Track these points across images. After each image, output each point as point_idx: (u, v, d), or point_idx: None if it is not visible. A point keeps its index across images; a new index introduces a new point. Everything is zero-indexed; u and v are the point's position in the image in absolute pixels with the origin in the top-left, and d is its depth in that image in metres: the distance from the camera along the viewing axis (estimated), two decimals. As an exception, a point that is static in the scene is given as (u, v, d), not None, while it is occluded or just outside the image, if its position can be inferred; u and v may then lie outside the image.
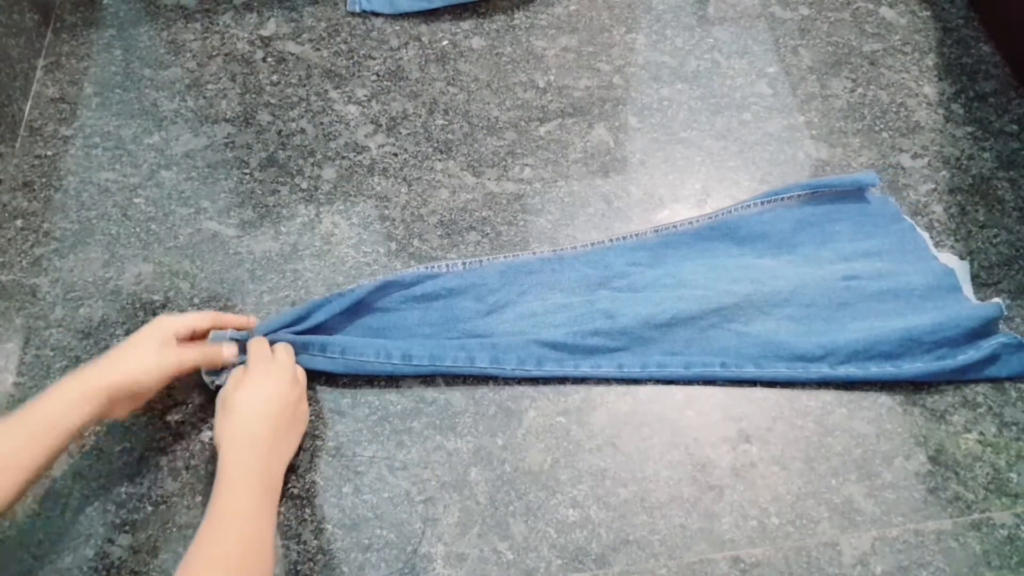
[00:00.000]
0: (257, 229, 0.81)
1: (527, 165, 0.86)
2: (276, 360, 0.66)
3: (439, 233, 0.81)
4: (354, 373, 0.71)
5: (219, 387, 0.67)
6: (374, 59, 0.95)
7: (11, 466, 0.55)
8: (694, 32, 0.97)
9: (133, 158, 0.87)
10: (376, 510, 0.66)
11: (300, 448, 0.68)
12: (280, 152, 0.87)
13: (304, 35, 0.97)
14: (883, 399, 0.71)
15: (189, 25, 0.98)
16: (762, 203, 0.81)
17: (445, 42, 0.96)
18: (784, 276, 0.77)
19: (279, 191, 0.84)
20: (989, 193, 0.83)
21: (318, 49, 0.96)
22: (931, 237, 0.80)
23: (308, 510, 0.66)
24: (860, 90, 0.91)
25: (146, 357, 0.62)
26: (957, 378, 0.71)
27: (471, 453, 0.68)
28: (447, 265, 0.77)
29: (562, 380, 0.72)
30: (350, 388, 0.72)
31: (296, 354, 0.69)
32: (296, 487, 0.67)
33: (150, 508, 0.66)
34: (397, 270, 0.77)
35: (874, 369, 0.71)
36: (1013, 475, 0.67)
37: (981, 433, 0.69)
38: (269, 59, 0.95)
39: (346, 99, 0.91)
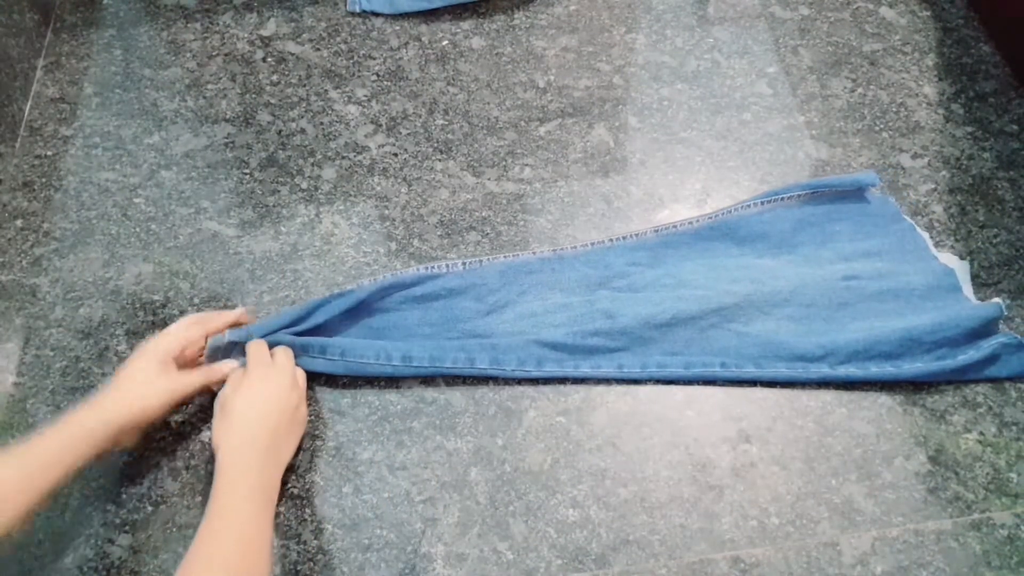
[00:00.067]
0: (257, 229, 0.81)
1: (527, 165, 0.86)
2: (276, 363, 0.66)
3: (439, 233, 0.81)
4: (354, 375, 0.71)
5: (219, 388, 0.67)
6: (374, 59, 0.95)
7: (13, 499, 0.54)
8: (694, 32, 0.97)
9: (133, 158, 0.87)
10: (376, 510, 0.66)
11: (300, 448, 0.68)
12: (280, 152, 0.87)
13: (304, 35, 0.97)
14: (883, 399, 0.71)
15: (189, 25, 0.98)
16: (762, 203, 0.81)
17: (445, 42, 0.96)
18: (784, 276, 0.77)
19: (279, 191, 0.84)
20: (989, 193, 0.83)
21: (318, 49, 0.96)
22: (931, 237, 0.80)
23: (308, 510, 0.66)
24: (860, 90, 0.91)
25: (151, 385, 0.62)
26: (957, 378, 0.71)
27: (471, 453, 0.68)
28: (447, 265, 0.77)
29: (562, 380, 0.72)
30: (350, 388, 0.72)
31: (296, 356, 0.69)
32: (296, 487, 0.67)
33: (150, 508, 0.66)
34: (397, 270, 0.77)
35: (874, 369, 0.71)
36: (1013, 475, 0.67)
37: (981, 433, 0.69)
38: (269, 59, 0.95)
39: (346, 99, 0.91)
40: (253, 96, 0.92)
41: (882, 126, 0.88)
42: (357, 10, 0.99)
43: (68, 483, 0.58)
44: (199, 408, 0.70)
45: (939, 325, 0.71)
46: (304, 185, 0.84)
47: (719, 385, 0.72)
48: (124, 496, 0.66)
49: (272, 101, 0.91)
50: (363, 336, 0.73)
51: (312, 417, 0.70)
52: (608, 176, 0.85)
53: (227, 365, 0.67)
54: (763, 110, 0.90)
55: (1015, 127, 0.88)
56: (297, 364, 0.69)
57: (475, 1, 0.99)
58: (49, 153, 0.87)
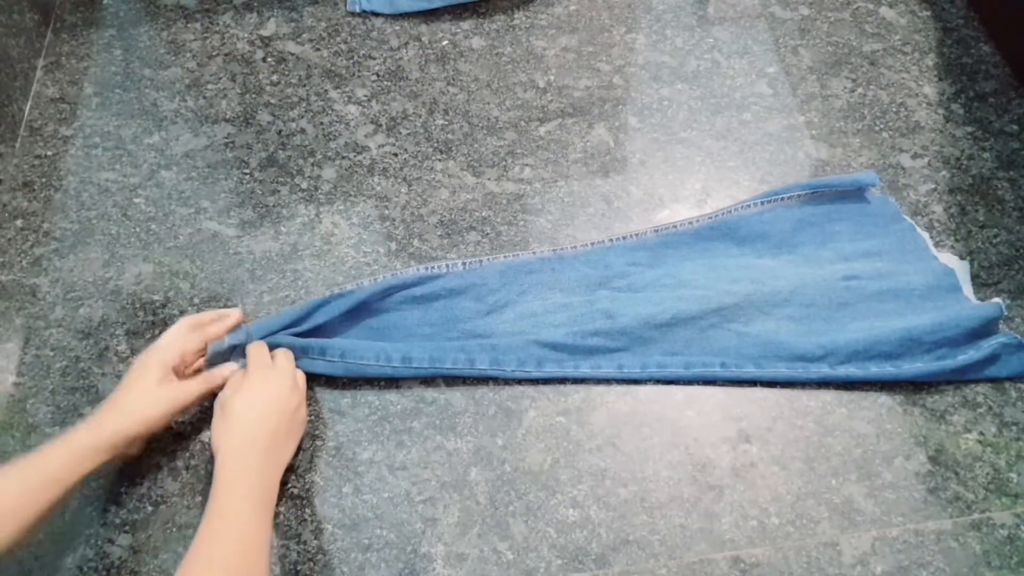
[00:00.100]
0: (257, 229, 0.81)
1: (527, 165, 0.86)
2: (276, 366, 0.66)
3: (439, 233, 0.81)
4: (354, 376, 0.71)
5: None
6: (374, 59, 0.95)
7: (15, 515, 0.55)
8: (694, 32, 0.97)
9: (133, 158, 0.87)
10: (376, 510, 0.66)
11: (300, 448, 0.68)
12: (280, 152, 0.87)
13: (304, 35, 0.97)
14: (883, 399, 0.71)
15: (189, 25, 0.98)
16: (762, 203, 0.81)
17: (445, 42, 0.96)
18: (784, 276, 0.77)
19: (279, 191, 0.84)
20: (989, 193, 0.83)
21: (318, 49, 0.96)
22: (931, 237, 0.80)
23: (308, 510, 0.66)
24: (860, 90, 0.91)
25: (151, 396, 0.62)
26: (957, 378, 0.71)
27: (471, 453, 0.68)
28: (447, 265, 0.77)
29: (562, 380, 0.72)
30: (350, 388, 0.72)
31: (296, 358, 0.69)
32: (296, 487, 0.67)
33: (150, 508, 0.66)
34: (397, 270, 0.77)
35: (874, 369, 0.71)
36: (1013, 475, 0.67)
37: (981, 433, 0.69)
38: (269, 59, 0.95)
39: (346, 99, 0.91)
40: (253, 96, 0.92)
41: (882, 126, 0.88)
42: (357, 10, 0.99)
43: (69, 499, 0.58)
44: (199, 409, 0.70)
45: (939, 325, 0.71)
46: (304, 185, 0.84)
47: (719, 385, 0.72)
48: (124, 496, 0.66)
49: (272, 101, 0.91)
50: (363, 336, 0.73)
51: (312, 417, 0.70)
52: (608, 176, 0.85)
53: (227, 369, 0.67)
54: (763, 110, 0.90)
55: (1015, 127, 0.88)
56: (297, 366, 0.69)
57: (475, 1, 0.99)
58: (49, 153, 0.87)
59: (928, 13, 0.98)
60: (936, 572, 0.63)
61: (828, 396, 0.71)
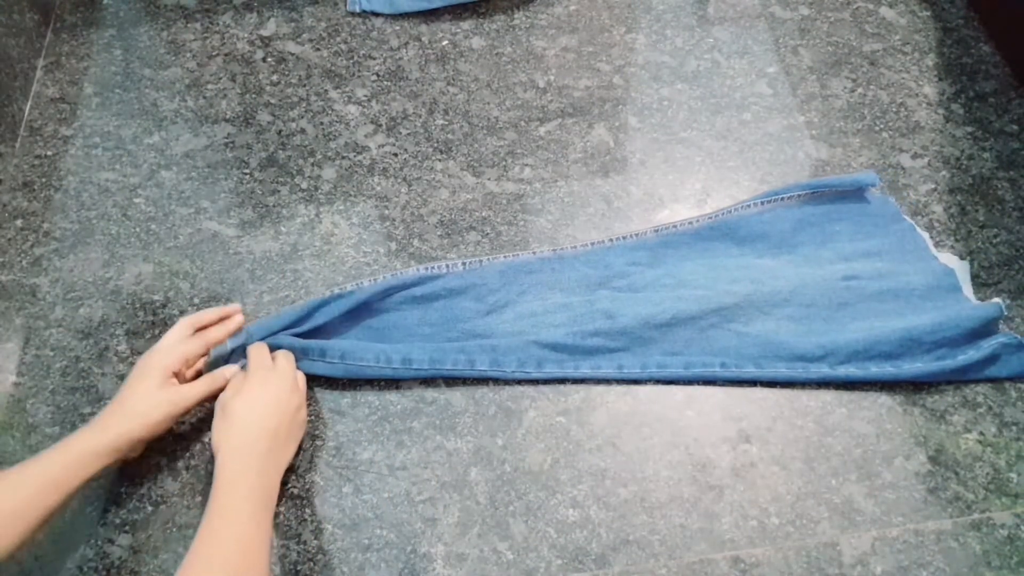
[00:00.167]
0: (257, 229, 0.81)
1: (527, 165, 0.86)
2: (276, 367, 0.66)
3: (439, 233, 0.81)
4: (354, 377, 0.71)
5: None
6: (374, 59, 0.95)
7: (15, 520, 0.55)
8: (694, 32, 0.97)
9: (133, 158, 0.87)
10: (376, 510, 0.66)
11: (300, 448, 0.68)
12: (280, 152, 0.87)
13: (304, 35, 0.97)
14: (883, 399, 0.71)
15: (189, 25, 0.98)
16: (762, 203, 0.81)
17: (445, 42, 0.96)
18: (784, 276, 0.77)
19: (279, 191, 0.84)
20: (989, 193, 0.83)
21: (318, 49, 0.96)
22: (931, 237, 0.80)
23: (308, 510, 0.66)
24: (860, 90, 0.91)
25: (152, 399, 0.62)
26: (957, 378, 0.71)
27: (471, 453, 0.68)
28: (447, 266, 0.77)
29: (562, 380, 0.72)
30: (350, 388, 0.72)
31: (296, 360, 0.69)
32: (296, 487, 0.67)
33: (150, 508, 0.66)
34: (397, 270, 0.77)
35: (874, 369, 0.71)
36: (1013, 475, 0.67)
37: (981, 433, 0.69)
38: (269, 59, 0.95)
39: (346, 99, 0.91)
40: (253, 96, 0.92)
41: (882, 126, 0.88)
42: (357, 10, 0.99)
43: (70, 503, 0.58)
44: (200, 409, 0.70)
45: (939, 325, 0.71)
46: (304, 185, 0.84)
47: (719, 385, 0.72)
48: (124, 496, 0.66)
49: (272, 101, 0.91)
50: (363, 336, 0.73)
51: (312, 417, 0.70)
52: (608, 176, 0.85)
53: (228, 371, 0.67)
54: (763, 110, 0.90)
55: (1015, 127, 0.88)
56: (297, 367, 0.69)
57: (475, 1, 0.99)
58: (49, 153, 0.87)
59: (928, 13, 0.98)
60: (936, 572, 0.63)
61: (828, 396, 0.71)
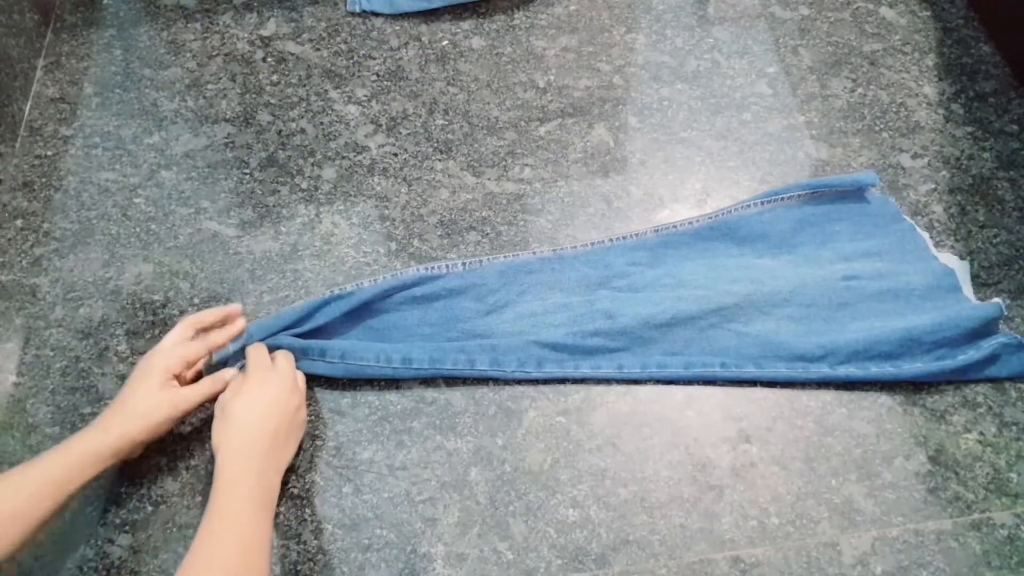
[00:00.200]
0: (257, 229, 0.81)
1: (527, 165, 0.86)
2: (276, 367, 0.66)
3: (439, 233, 0.81)
4: (354, 377, 0.71)
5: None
6: (374, 59, 0.95)
7: (16, 521, 0.55)
8: (694, 32, 0.97)
9: (133, 158, 0.87)
10: (376, 510, 0.66)
11: (300, 448, 0.68)
12: (280, 152, 0.87)
13: (304, 35, 0.97)
14: (883, 399, 0.71)
15: (189, 25, 0.98)
16: (762, 203, 0.81)
17: (445, 42, 0.96)
18: (784, 276, 0.77)
19: (279, 191, 0.84)
20: (989, 193, 0.83)
21: (318, 49, 0.96)
22: (931, 237, 0.80)
23: (308, 510, 0.66)
24: (860, 90, 0.91)
25: (153, 400, 0.62)
26: (957, 378, 0.71)
27: (471, 453, 0.68)
28: (447, 266, 0.77)
29: (562, 380, 0.72)
30: (350, 388, 0.72)
31: (296, 359, 0.69)
32: (296, 487, 0.67)
33: (150, 508, 0.66)
34: (397, 270, 0.77)
35: (874, 369, 0.71)
36: (1013, 475, 0.67)
37: (981, 433, 0.69)
38: (269, 59, 0.95)
39: (346, 99, 0.91)
40: (253, 96, 0.92)
41: (882, 126, 0.88)
42: (357, 10, 0.99)
43: (70, 504, 0.58)
44: (201, 410, 0.70)
45: (939, 325, 0.71)
46: (304, 185, 0.84)
47: (719, 385, 0.72)
48: (124, 496, 0.66)
49: (272, 101, 0.91)
50: (363, 336, 0.73)
51: (312, 417, 0.70)
52: (608, 176, 0.85)
53: (228, 372, 0.67)
54: (763, 110, 0.90)
55: (1015, 127, 0.88)
56: (297, 367, 0.69)
57: (475, 1, 0.99)
58: (49, 153, 0.87)
59: (928, 13, 0.98)
60: (936, 572, 0.63)
61: (828, 396, 0.71)
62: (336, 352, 0.70)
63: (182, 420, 0.69)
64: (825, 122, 0.89)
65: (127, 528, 0.65)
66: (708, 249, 0.80)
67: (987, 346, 0.71)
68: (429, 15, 0.98)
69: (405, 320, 0.74)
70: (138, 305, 0.77)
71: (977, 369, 0.71)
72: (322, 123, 0.89)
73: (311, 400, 0.71)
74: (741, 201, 0.81)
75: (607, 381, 0.72)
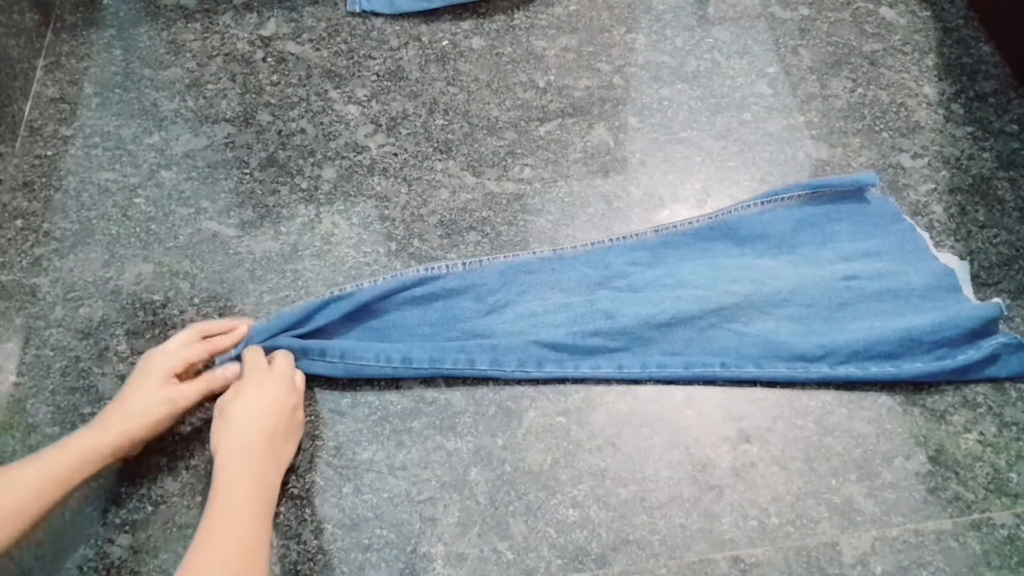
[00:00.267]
0: (257, 229, 0.81)
1: (527, 165, 0.86)
2: (274, 368, 0.66)
3: (439, 233, 0.81)
4: (354, 377, 0.71)
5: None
6: (374, 59, 0.95)
7: (14, 517, 0.55)
8: (694, 32, 0.97)
9: (133, 158, 0.87)
10: (376, 510, 0.66)
11: (300, 448, 0.68)
12: (280, 152, 0.87)
13: (304, 35, 0.97)
14: (883, 399, 0.71)
15: (189, 25, 0.98)
16: (762, 203, 0.81)
17: (445, 42, 0.96)
18: (784, 276, 0.77)
19: (279, 191, 0.84)
20: (989, 193, 0.83)
21: (318, 49, 0.96)
22: (931, 237, 0.80)
23: (308, 510, 0.66)
24: (860, 90, 0.91)
25: (154, 399, 0.62)
26: (957, 378, 0.71)
27: (471, 453, 0.68)
28: (447, 266, 0.77)
29: (562, 380, 0.72)
30: (350, 388, 0.72)
31: (296, 359, 0.69)
32: (296, 487, 0.67)
33: (150, 508, 0.66)
34: (397, 270, 0.77)
35: (874, 369, 0.71)
36: (1013, 475, 0.67)
37: (981, 433, 0.69)
38: (269, 59, 0.95)
39: (346, 99, 0.91)
40: (253, 96, 0.92)
41: (882, 126, 0.88)
42: (357, 10, 0.99)
43: (69, 501, 0.58)
44: (201, 408, 0.70)
45: (939, 325, 0.71)
46: (304, 185, 0.84)
47: (719, 385, 0.72)
48: (124, 496, 0.66)
49: (272, 101, 0.91)
50: (363, 336, 0.73)
51: (312, 417, 0.70)
52: (608, 176, 0.85)
53: (227, 369, 0.67)
54: (763, 110, 0.90)
55: (1015, 127, 0.88)
56: (297, 367, 0.69)
57: (475, 1, 0.99)
58: (49, 153, 0.87)
59: (928, 13, 0.98)
60: (936, 572, 0.63)
61: (828, 396, 0.71)
62: (336, 352, 0.70)
63: (182, 419, 0.69)
64: (825, 122, 0.89)
65: (127, 528, 0.65)
66: (708, 249, 0.80)
67: (987, 346, 0.71)
68: (429, 15, 0.98)
69: (405, 320, 0.74)
70: (138, 305, 0.77)
71: (977, 369, 0.71)
72: (322, 123, 0.89)
73: (311, 400, 0.71)
74: (741, 201, 0.81)
75: (607, 381, 0.72)
